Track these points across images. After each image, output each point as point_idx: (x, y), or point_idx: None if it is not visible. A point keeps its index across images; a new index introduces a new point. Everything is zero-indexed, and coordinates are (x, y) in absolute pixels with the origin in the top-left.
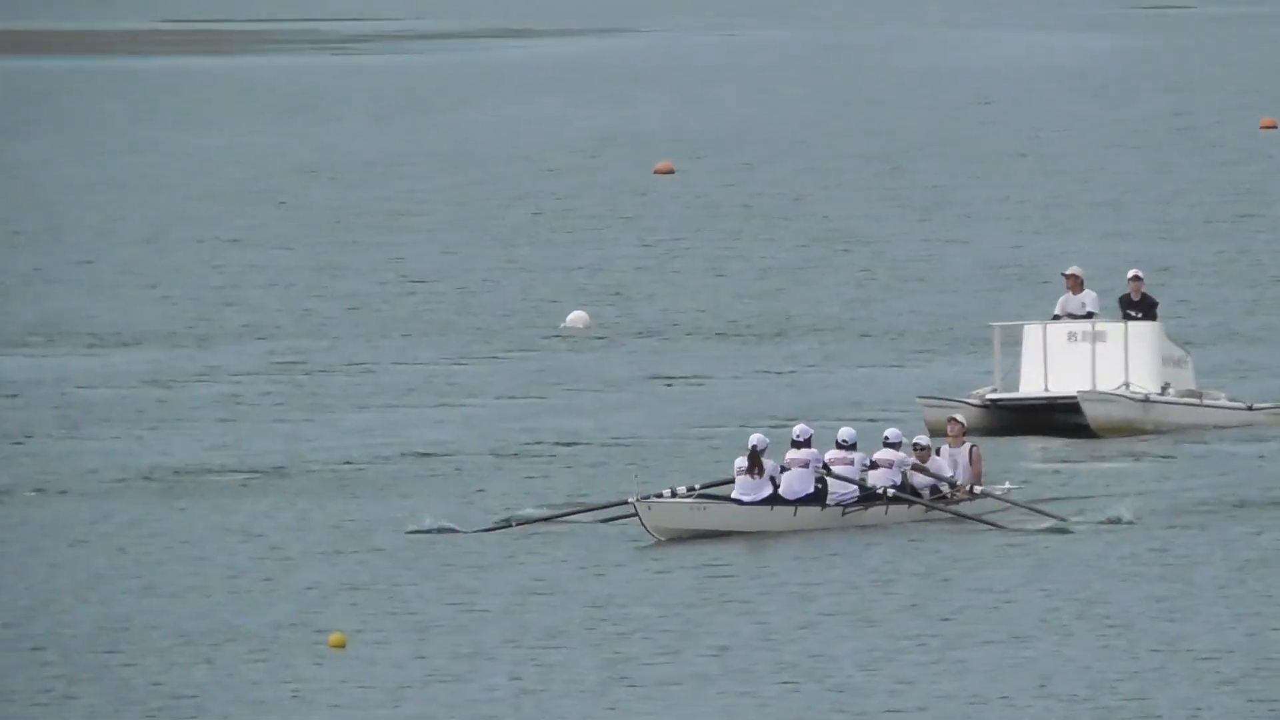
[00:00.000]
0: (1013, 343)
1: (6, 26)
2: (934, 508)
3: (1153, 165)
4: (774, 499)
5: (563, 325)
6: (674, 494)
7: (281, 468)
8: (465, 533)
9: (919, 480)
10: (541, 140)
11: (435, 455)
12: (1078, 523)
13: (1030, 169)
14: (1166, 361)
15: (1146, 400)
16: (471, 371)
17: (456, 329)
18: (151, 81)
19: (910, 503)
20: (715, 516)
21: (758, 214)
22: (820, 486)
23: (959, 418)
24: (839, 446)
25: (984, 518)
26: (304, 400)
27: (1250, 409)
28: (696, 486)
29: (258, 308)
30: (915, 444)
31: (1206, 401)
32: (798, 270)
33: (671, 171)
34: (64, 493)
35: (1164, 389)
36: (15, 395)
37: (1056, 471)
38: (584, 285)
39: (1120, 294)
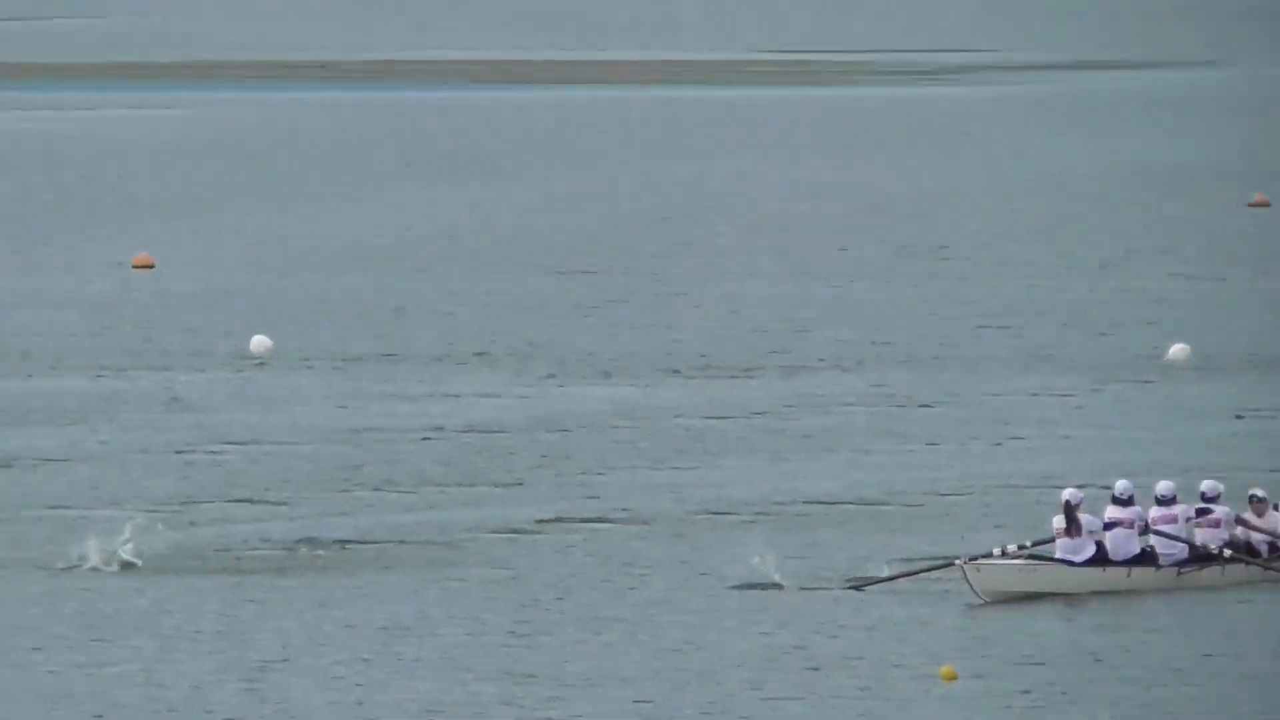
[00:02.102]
0: None
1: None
2: (1273, 568)
3: None
4: (1101, 559)
5: (1165, 359)
6: (1004, 553)
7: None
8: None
9: (1253, 536)
10: (1119, 171)
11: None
12: None
13: None
14: None
15: None
16: (1074, 402)
17: (1054, 359)
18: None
19: (1248, 562)
20: (1046, 578)
21: None
22: (1149, 547)
23: None
24: (1159, 502)
25: None
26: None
27: None
28: (1028, 544)
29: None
30: (1252, 496)
31: None
32: None
33: (1267, 205)
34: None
35: None
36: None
37: None
38: (1184, 316)
39: None
